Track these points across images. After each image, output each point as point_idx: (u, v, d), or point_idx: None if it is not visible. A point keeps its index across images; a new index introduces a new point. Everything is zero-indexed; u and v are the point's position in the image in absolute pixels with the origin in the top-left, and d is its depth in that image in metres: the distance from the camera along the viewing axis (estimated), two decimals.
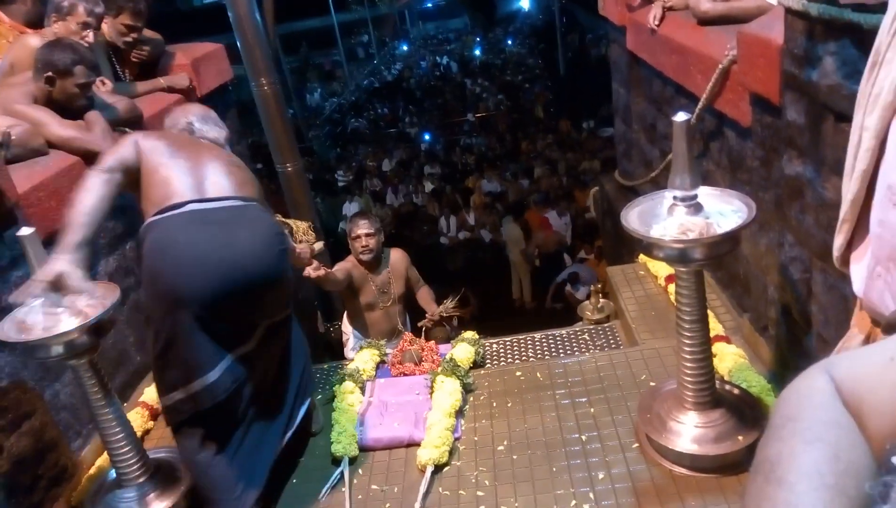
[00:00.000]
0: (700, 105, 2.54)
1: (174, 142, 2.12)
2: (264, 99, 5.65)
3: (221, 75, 4.13)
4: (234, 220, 1.97)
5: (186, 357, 1.90)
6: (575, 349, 2.98)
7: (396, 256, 3.63)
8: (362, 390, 2.67)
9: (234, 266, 1.88)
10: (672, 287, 2.53)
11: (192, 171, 2.02)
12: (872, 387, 0.49)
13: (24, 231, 1.84)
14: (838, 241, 1.10)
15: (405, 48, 27.08)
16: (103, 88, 3.01)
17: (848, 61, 1.54)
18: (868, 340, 1.08)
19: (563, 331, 3.15)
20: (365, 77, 22.36)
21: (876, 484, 0.38)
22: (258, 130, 7.98)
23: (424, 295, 3.77)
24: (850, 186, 1.04)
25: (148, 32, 3.56)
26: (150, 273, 1.92)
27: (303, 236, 4.97)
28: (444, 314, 3.47)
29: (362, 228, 3.47)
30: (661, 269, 3.04)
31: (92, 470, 2.37)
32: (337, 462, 2.29)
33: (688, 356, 1.94)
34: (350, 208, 9.68)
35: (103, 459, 2.36)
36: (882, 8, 1.03)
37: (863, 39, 1.44)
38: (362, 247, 3.47)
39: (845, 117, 1.58)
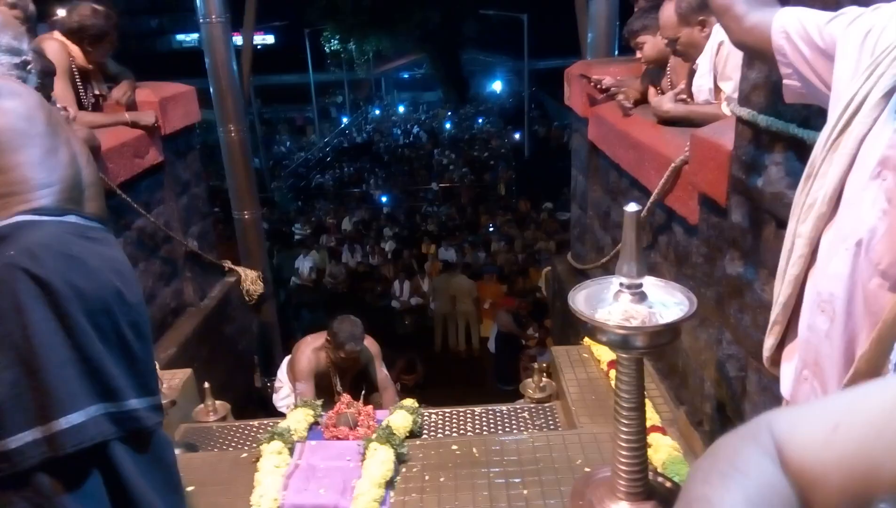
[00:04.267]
0: (651, 199, 2.64)
1: (31, 109, 1.69)
2: (230, 145, 5.66)
3: (188, 117, 4.11)
4: (107, 242, 1.78)
5: (52, 387, 1.52)
6: (514, 426, 2.94)
7: (367, 348, 3.51)
8: (291, 451, 2.56)
9: (116, 282, 1.68)
10: (613, 373, 2.54)
11: (64, 167, 1.70)
12: (816, 456, 0.48)
13: None
14: (768, 342, 1.13)
15: (378, 113, 27.68)
16: (64, 114, 2.95)
17: (791, 172, 1.64)
18: None
19: (504, 407, 3.11)
20: (335, 136, 22.67)
21: None
22: (219, 175, 7.95)
23: (389, 398, 3.56)
24: (781, 290, 1.08)
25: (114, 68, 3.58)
26: (28, 277, 1.53)
27: (250, 285, 4.89)
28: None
29: (351, 349, 3.33)
30: (605, 354, 3.06)
31: None
32: None
33: (623, 444, 1.93)
34: (304, 262, 9.58)
35: None
36: (823, 126, 1.11)
37: (805, 153, 1.52)
38: (344, 358, 3.36)
39: (786, 224, 1.66)
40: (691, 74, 2.91)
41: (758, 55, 1.33)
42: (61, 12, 3.17)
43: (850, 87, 0.98)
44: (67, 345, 1.55)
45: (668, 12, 2.75)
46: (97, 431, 1.58)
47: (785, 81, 1.20)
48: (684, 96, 2.84)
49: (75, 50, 3.22)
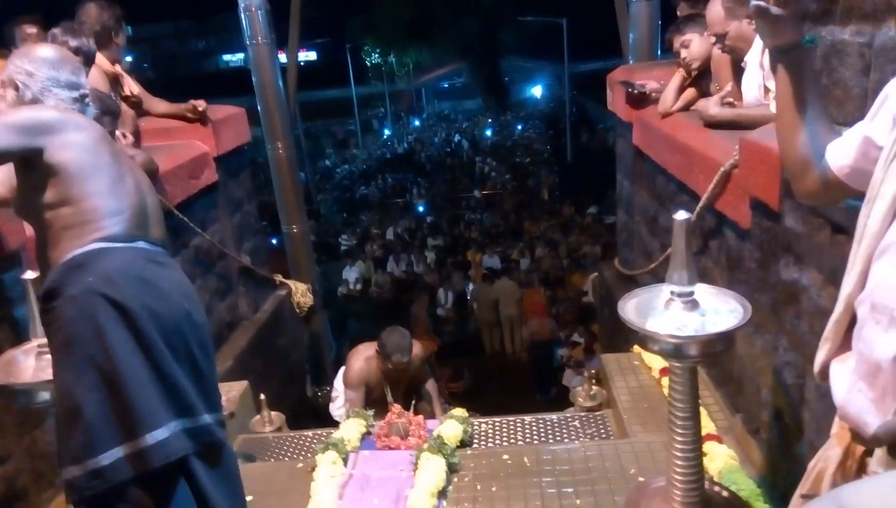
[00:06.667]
0: (701, 204, 2.61)
1: (96, 141, 1.77)
2: (278, 162, 5.82)
3: (240, 137, 4.26)
4: (173, 265, 1.88)
5: (136, 405, 1.61)
6: (565, 435, 2.93)
7: (416, 353, 3.54)
8: (345, 461, 2.61)
9: (186, 304, 1.77)
10: (666, 380, 2.51)
11: (131, 195, 1.79)
12: None
13: (29, 275, 1.86)
14: (819, 357, 1.12)
15: (419, 123, 27.91)
16: (124, 141, 3.09)
17: None
18: (847, 453, 1.08)
19: (554, 416, 3.11)
20: (378, 147, 22.96)
21: None
22: (267, 190, 8.15)
23: (430, 390, 3.74)
24: (836, 307, 1.08)
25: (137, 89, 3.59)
26: (107, 302, 1.62)
27: (300, 298, 5.00)
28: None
29: (398, 360, 3.37)
30: (656, 361, 3.02)
31: None
32: None
33: (678, 454, 1.90)
34: (350, 272, 9.73)
35: None
36: None
37: None
38: (392, 369, 3.41)
39: (841, 229, 1.62)
40: (737, 72, 2.86)
41: (834, 198, 1.25)
42: (63, 35, 2.82)
43: None
44: (147, 365, 1.64)
45: (715, 8, 2.73)
46: (179, 446, 1.66)
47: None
48: (731, 99, 2.79)
49: (101, 59, 3.21)
